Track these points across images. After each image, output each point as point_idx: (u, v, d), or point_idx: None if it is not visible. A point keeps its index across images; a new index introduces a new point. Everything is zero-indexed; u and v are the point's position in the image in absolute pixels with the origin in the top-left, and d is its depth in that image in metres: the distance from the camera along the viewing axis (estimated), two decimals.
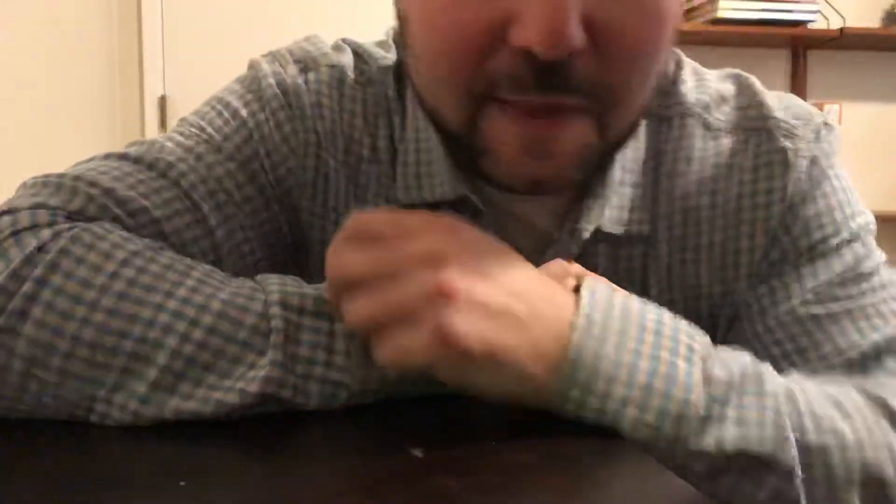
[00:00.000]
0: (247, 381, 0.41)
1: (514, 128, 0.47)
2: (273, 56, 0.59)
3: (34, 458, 0.38)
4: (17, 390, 0.41)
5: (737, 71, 0.62)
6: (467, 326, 0.38)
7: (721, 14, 2.37)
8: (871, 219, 0.59)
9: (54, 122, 2.19)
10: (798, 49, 2.52)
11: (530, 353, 0.39)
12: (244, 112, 0.56)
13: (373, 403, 0.45)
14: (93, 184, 0.48)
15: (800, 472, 0.41)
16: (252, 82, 0.58)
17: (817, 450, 0.42)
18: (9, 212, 0.45)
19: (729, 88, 0.60)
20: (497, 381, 0.40)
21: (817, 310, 0.54)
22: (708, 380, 0.41)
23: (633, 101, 0.49)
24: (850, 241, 0.56)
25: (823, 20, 2.42)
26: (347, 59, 0.59)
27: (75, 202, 0.46)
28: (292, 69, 0.58)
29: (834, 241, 0.56)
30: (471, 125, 0.48)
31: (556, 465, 0.38)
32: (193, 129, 0.55)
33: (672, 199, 0.58)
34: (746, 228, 0.58)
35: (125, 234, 0.45)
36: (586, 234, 0.55)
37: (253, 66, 0.59)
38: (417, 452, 0.38)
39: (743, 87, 0.60)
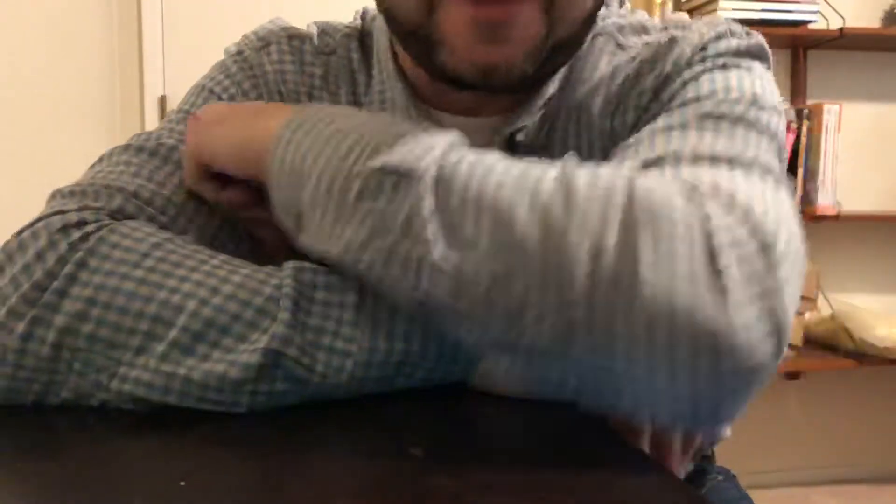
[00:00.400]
0: (258, 343, 0.43)
1: (468, 12, 0.49)
2: (238, 42, 0.66)
3: (35, 459, 0.38)
4: (49, 362, 0.44)
5: (678, 18, 0.62)
6: (208, 110, 0.55)
7: (721, 14, 2.37)
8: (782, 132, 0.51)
9: (54, 122, 2.19)
10: (798, 49, 2.51)
11: (251, 115, 0.51)
12: (217, 89, 0.62)
13: (372, 403, 0.45)
14: (121, 189, 0.52)
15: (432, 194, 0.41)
16: (221, 65, 0.65)
17: (447, 174, 0.41)
18: (58, 213, 0.49)
19: (656, 23, 0.61)
20: (229, 134, 0.51)
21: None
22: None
23: None
24: (736, 119, 0.49)
25: (823, 20, 2.41)
26: (310, 33, 0.65)
27: (114, 203, 0.51)
28: (255, 45, 0.65)
29: (708, 105, 0.50)
30: (428, 13, 0.51)
31: (557, 464, 0.38)
32: (180, 115, 0.61)
33: (570, 107, 0.59)
34: (620, 109, 0.57)
35: (158, 228, 0.50)
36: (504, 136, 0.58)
37: (223, 53, 0.66)
38: (417, 452, 0.38)
39: (668, 23, 0.60)
